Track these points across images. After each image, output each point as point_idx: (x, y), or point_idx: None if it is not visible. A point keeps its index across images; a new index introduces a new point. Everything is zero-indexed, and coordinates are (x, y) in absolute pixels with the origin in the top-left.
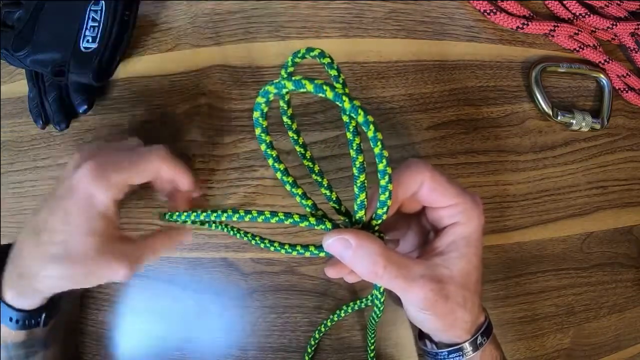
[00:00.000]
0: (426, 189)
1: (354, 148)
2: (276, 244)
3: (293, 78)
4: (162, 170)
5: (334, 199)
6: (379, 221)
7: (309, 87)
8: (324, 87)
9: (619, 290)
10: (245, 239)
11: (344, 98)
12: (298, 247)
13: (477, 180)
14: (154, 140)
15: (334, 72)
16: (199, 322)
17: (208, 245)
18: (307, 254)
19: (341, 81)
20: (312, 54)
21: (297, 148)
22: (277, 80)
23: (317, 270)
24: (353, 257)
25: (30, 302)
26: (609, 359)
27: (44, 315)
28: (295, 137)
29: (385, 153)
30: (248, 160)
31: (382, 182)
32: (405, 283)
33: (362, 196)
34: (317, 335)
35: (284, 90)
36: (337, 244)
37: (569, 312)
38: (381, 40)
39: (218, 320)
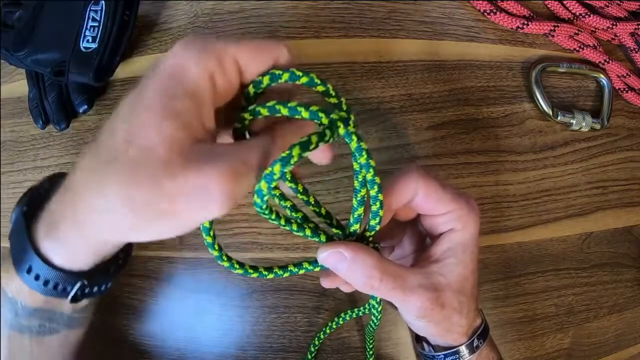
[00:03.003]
0: (420, 197)
1: (358, 161)
2: (263, 271)
3: (267, 104)
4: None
5: (324, 213)
6: (372, 232)
7: (284, 111)
8: (299, 109)
9: (619, 290)
10: (234, 268)
11: (320, 115)
12: (290, 267)
13: (477, 180)
14: None
15: (321, 88)
16: (199, 322)
17: None
18: (302, 272)
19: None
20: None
21: None
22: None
23: (317, 270)
24: (348, 270)
25: (70, 257)
26: (609, 359)
27: (77, 286)
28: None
29: (372, 162)
30: None
31: (372, 193)
32: (402, 294)
33: (360, 210)
34: (316, 342)
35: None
36: (331, 257)
37: (569, 312)
38: (381, 40)
39: (218, 320)
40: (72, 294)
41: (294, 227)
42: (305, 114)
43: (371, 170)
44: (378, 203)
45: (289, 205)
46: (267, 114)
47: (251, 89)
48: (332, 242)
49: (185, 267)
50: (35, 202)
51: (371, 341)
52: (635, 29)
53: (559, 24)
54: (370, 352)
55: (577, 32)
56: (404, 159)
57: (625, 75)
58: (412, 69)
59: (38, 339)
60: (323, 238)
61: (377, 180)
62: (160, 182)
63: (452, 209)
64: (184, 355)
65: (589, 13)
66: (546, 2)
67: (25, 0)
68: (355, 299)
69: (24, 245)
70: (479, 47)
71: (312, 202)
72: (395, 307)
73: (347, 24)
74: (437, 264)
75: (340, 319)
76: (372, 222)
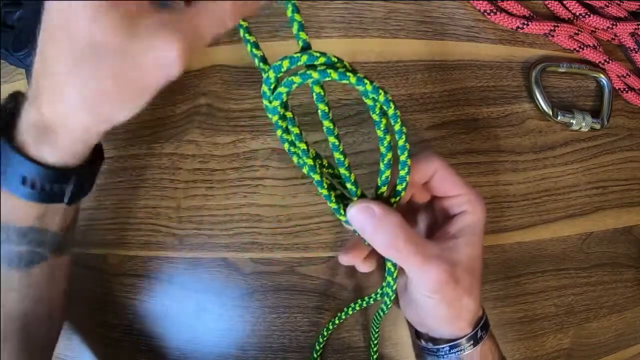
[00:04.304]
0: (438, 178)
1: (382, 129)
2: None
3: (319, 69)
4: None
5: (352, 180)
6: (398, 198)
7: (334, 75)
8: (347, 74)
9: (619, 290)
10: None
11: (366, 81)
12: (332, 196)
13: (477, 180)
14: (153, 140)
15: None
16: (199, 322)
17: (208, 245)
18: (333, 205)
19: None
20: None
21: (327, 123)
22: (302, 71)
23: (317, 270)
24: (376, 227)
25: (65, 152)
26: (609, 359)
27: (72, 180)
28: (326, 110)
29: (404, 129)
30: (248, 160)
31: (402, 158)
32: (422, 261)
33: (387, 173)
34: (325, 333)
35: (310, 80)
36: (361, 213)
37: (569, 312)
38: (381, 40)
39: (218, 320)
40: (69, 192)
41: (316, 177)
42: (334, 75)
43: (403, 136)
44: (406, 168)
45: (325, 170)
46: (300, 80)
47: (272, 74)
48: (363, 199)
49: (185, 267)
50: (6, 120)
51: (377, 329)
52: (635, 29)
53: (559, 24)
54: (375, 342)
55: (577, 32)
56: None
57: (625, 75)
58: (412, 69)
59: (26, 271)
60: (358, 192)
61: (408, 146)
62: (122, 56)
63: (465, 192)
64: (184, 355)
65: (589, 13)
66: (546, 2)
67: (25, 0)
68: (359, 297)
69: (11, 158)
70: (479, 47)
71: (346, 166)
72: (398, 305)
73: (347, 24)
74: (451, 240)
75: (350, 309)
76: (399, 187)
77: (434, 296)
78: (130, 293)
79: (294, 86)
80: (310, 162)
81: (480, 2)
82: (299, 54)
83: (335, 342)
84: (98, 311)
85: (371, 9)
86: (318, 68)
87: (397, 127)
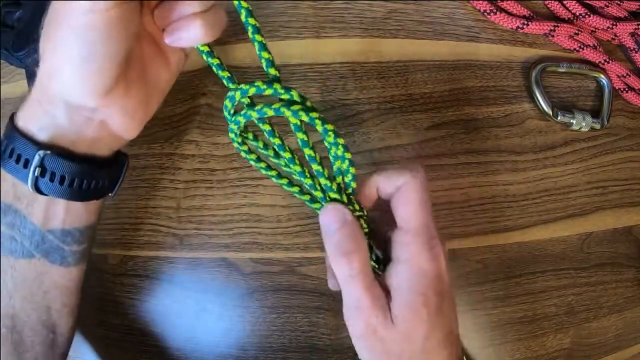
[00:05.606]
0: (396, 196)
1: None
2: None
3: (256, 108)
4: None
5: (335, 189)
6: (349, 190)
7: (287, 113)
8: (299, 113)
9: (619, 290)
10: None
11: (317, 122)
12: (304, 196)
13: (477, 180)
14: (153, 140)
15: (286, 97)
16: (199, 322)
17: (208, 245)
18: (315, 206)
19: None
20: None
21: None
22: (259, 107)
23: (317, 270)
24: (341, 229)
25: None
26: (608, 359)
27: (103, 176)
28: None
29: (342, 141)
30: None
31: (347, 179)
32: (361, 293)
33: (339, 179)
34: None
35: (266, 116)
36: (337, 211)
37: (569, 312)
38: (381, 40)
39: (218, 320)
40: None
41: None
42: (288, 113)
43: (347, 161)
44: (350, 175)
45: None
46: (258, 116)
47: (238, 95)
48: (341, 204)
49: (185, 267)
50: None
51: None
52: (635, 29)
53: (559, 24)
54: None
55: (577, 32)
56: (404, 159)
57: (625, 75)
58: (412, 69)
59: (10, 260)
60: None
61: (347, 155)
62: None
63: (413, 225)
64: (184, 355)
65: (589, 13)
66: (546, 2)
67: (25, 0)
68: None
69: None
70: (479, 47)
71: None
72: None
73: (347, 24)
74: (389, 295)
75: None
76: (347, 178)
77: (353, 338)
78: (130, 293)
79: (252, 119)
80: (298, 168)
81: (480, 2)
82: (265, 86)
83: (335, 342)
84: (98, 311)
85: (371, 9)
86: (273, 106)
87: (330, 139)
